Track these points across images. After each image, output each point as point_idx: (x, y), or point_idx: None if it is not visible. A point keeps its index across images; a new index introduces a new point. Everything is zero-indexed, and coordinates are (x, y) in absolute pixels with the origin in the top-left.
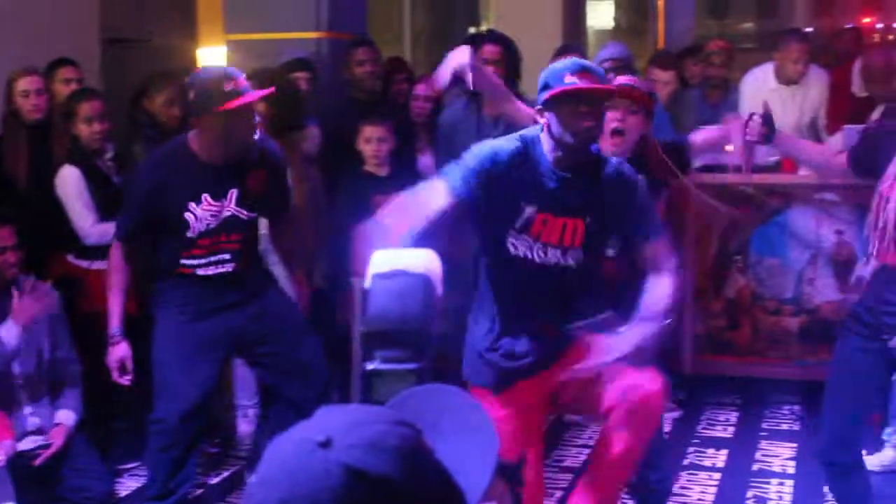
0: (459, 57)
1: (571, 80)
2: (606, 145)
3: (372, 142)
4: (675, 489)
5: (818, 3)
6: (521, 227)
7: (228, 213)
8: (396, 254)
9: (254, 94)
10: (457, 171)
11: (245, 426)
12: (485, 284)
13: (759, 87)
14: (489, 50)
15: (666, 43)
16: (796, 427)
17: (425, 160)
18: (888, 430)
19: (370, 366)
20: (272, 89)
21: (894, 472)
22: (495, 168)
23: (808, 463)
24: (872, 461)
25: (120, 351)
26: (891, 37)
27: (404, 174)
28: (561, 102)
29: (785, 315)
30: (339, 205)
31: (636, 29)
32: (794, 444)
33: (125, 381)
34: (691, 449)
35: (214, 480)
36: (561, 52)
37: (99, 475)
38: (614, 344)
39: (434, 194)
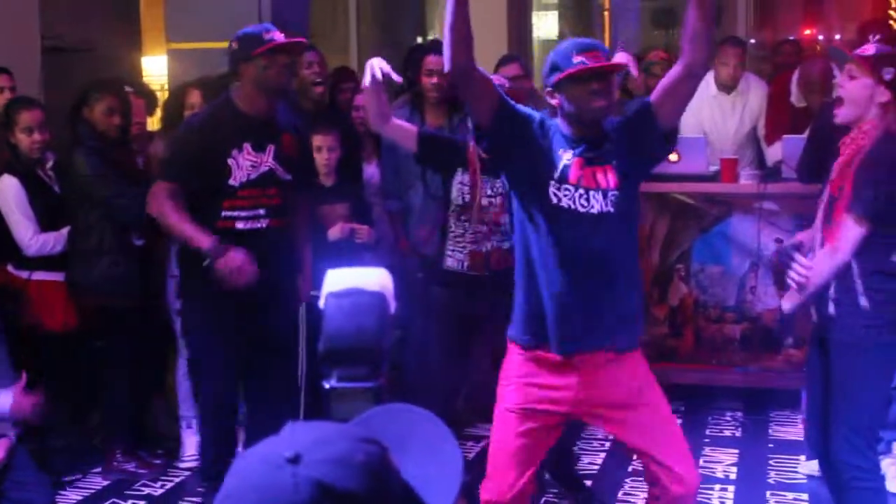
0: (377, 62)
1: (579, 60)
2: None
3: (322, 151)
4: (620, 496)
5: (760, 14)
6: (561, 177)
7: (266, 168)
8: (351, 272)
9: (288, 39)
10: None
11: (189, 437)
12: (526, 262)
13: (700, 93)
14: (433, 60)
15: (611, 53)
16: (739, 434)
17: (371, 170)
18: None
19: (328, 384)
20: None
21: None
22: (529, 120)
23: (749, 469)
24: (806, 467)
25: (239, 253)
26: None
27: (349, 184)
28: (572, 83)
29: (727, 322)
30: None
31: None
32: (737, 451)
33: (251, 275)
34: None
35: (158, 492)
36: (502, 63)
37: (39, 488)
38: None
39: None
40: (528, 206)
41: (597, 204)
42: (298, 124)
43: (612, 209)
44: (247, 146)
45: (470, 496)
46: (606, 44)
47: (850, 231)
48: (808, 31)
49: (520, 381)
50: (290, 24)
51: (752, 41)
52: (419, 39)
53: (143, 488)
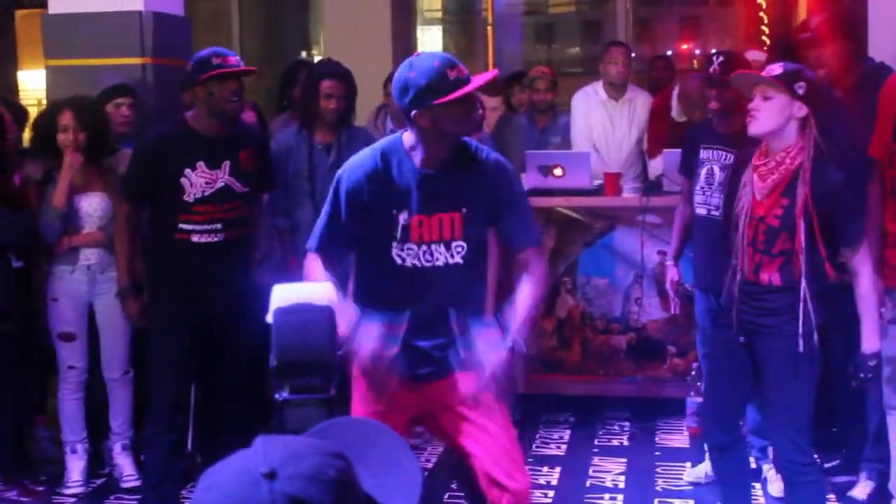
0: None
1: (454, 76)
2: None
3: None
4: None
5: (639, 30)
6: (403, 237)
7: (222, 184)
8: (298, 287)
9: (237, 67)
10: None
11: (73, 462)
12: (365, 292)
13: (590, 101)
14: (329, 86)
15: (496, 67)
16: (627, 443)
17: None
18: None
19: (280, 396)
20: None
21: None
22: (357, 188)
23: (637, 477)
24: (691, 474)
25: (129, 308)
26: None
27: None
28: (454, 103)
29: (613, 333)
30: None
31: (466, 54)
32: (625, 460)
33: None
34: (525, 468)
35: None
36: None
37: None
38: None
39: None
40: (373, 261)
41: (441, 259)
42: (261, 138)
43: (459, 260)
44: (200, 164)
45: None
46: (490, 58)
47: (866, 257)
48: (685, 46)
49: (364, 389)
50: (171, 42)
51: (633, 55)
52: (303, 54)
53: None
